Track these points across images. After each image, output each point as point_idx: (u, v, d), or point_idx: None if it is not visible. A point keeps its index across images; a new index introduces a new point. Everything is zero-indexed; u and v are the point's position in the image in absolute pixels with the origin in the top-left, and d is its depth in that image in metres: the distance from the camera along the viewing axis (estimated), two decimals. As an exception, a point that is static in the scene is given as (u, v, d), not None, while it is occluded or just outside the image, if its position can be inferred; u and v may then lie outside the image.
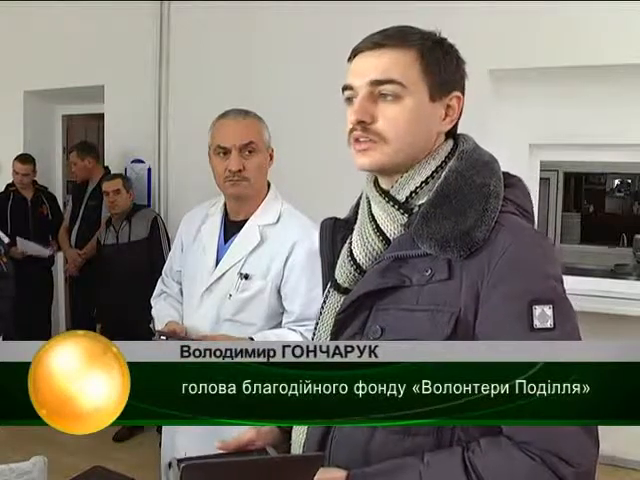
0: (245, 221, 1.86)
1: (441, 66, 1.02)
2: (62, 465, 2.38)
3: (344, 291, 1.08)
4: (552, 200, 5.69)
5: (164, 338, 1.73)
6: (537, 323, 0.90)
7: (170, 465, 0.96)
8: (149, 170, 4.47)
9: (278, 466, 0.98)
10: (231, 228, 1.89)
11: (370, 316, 1.01)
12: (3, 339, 3.42)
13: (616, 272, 4.95)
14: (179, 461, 0.95)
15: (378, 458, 0.96)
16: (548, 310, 0.91)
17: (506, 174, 1.06)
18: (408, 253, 0.99)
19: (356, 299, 1.02)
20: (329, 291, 1.13)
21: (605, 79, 3.17)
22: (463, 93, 1.06)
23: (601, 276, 4.32)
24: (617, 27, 3.06)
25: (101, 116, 4.75)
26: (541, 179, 3.67)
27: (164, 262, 3.62)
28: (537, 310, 0.91)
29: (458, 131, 1.10)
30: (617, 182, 6.02)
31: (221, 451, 1.06)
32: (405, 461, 0.94)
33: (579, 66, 3.15)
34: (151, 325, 3.22)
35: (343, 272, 1.09)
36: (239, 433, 1.12)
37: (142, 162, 4.49)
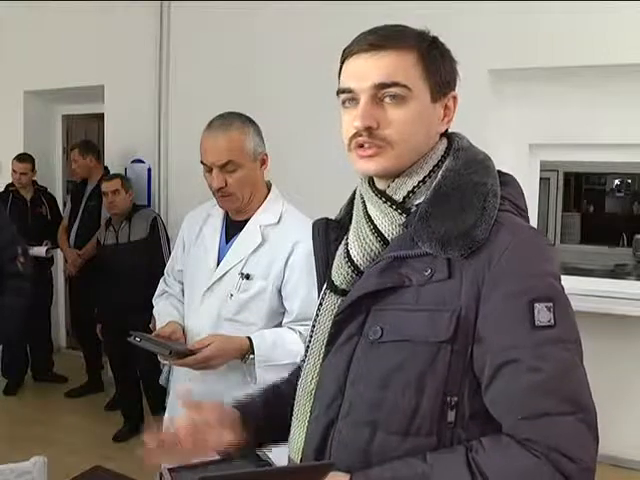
0: (246, 221, 1.86)
1: (440, 67, 1.02)
2: (62, 465, 2.37)
3: (341, 292, 1.07)
4: (552, 200, 5.69)
5: (138, 340, 1.73)
6: (538, 321, 0.90)
7: (161, 476, 0.92)
8: (149, 170, 4.47)
9: (287, 476, 0.96)
10: (232, 228, 1.89)
11: (368, 317, 1.00)
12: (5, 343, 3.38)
13: (616, 272, 4.95)
14: (170, 470, 0.93)
15: (379, 459, 0.96)
16: (548, 308, 0.91)
17: (499, 172, 1.05)
18: (408, 253, 0.98)
19: (355, 300, 1.01)
20: (325, 292, 1.11)
21: (605, 79, 3.17)
22: (456, 91, 1.06)
23: (601, 276, 4.31)
24: (617, 27, 3.06)
25: (101, 116, 4.75)
26: (541, 179, 3.67)
27: (164, 262, 3.62)
28: (538, 308, 0.90)
29: (457, 130, 1.09)
30: (617, 182, 6.03)
31: (209, 458, 1.06)
32: (407, 462, 0.93)
33: (579, 66, 3.15)
34: (150, 325, 3.24)
35: (340, 273, 1.08)
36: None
37: (142, 162, 4.49)
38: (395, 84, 0.98)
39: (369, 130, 0.98)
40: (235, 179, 1.78)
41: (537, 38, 3.21)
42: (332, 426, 1.02)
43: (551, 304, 0.91)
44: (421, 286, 0.97)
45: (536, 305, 0.90)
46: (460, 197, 0.98)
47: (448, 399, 0.93)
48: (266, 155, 1.86)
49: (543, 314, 0.90)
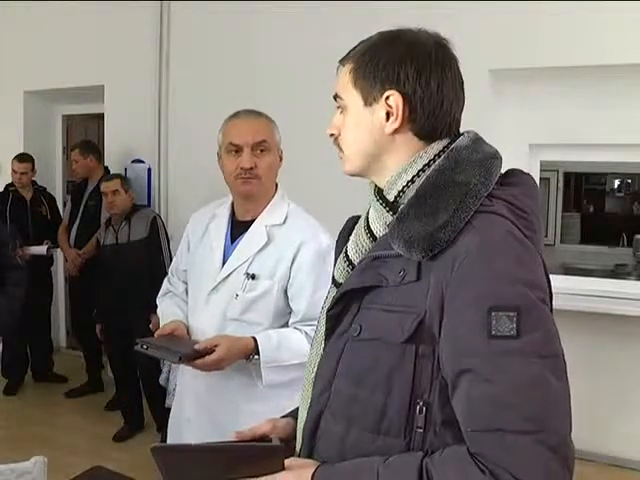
0: (252, 221, 1.86)
1: (367, 70, 1.02)
2: (62, 465, 2.37)
3: (339, 287, 1.09)
4: (552, 200, 5.69)
5: (145, 347, 1.72)
6: (496, 330, 0.86)
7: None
8: (149, 170, 4.47)
9: (242, 453, 1.01)
10: (238, 228, 1.88)
11: (358, 314, 1.03)
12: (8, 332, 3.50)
13: (616, 272, 4.95)
14: (153, 449, 1.00)
15: (352, 455, 0.97)
16: (512, 317, 0.86)
17: (513, 172, 1.04)
18: (383, 253, 1.00)
19: (341, 296, 1.04)
20: (331, 286, 1.15)
21: (605, 79, 3.17)
22: (403, 89, 1.00)
23: (601, 276, 4.32)
24: (617, 27, 3.06)
25: (101, 116, 4.76)
26: (541, 179, 3.67)
27: (163, 262, 3.64)
28: (497, 316, 0.86)
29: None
30: (617, 182, 6.03)
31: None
32: (369, 460, 0.94)
33: (579, 66, 3.15)
34: (150, 325, 3.25)
35: (338, 268, 1.12)
36: (256, 424, 1.15)
37: (142, 162, 4.49)
38: (336, 96, 1.08)
39: (332, 137, 1.10)
40: (265, 162, 1.81)
41: (537, 38, 3.22)
42: (321, 416, 1.05)
43: (515, 313, 0.86)
44: (396, 287, 0.97)
45: (495, 313, 0.86)
46: (437, 198, 0.95)
47: (417, 402, 0.93)
48: (282, 152, 1.89)
49: (502, 323, 0.86)
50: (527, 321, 0.86)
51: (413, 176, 1.01)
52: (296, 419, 1.17)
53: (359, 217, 1.18)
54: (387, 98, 1.01)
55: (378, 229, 1.05)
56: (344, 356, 1.02)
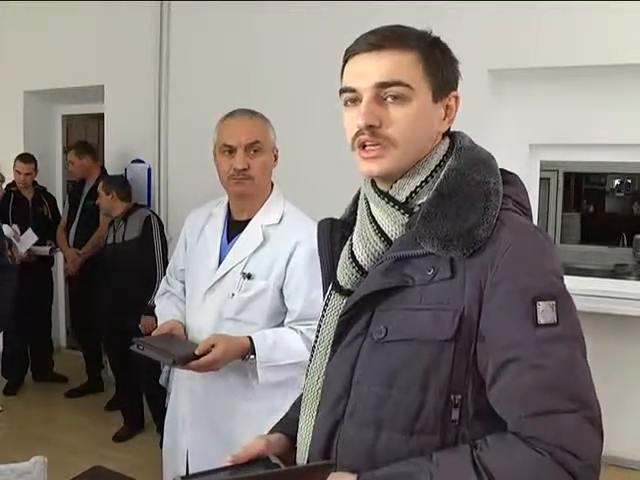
0: (248, 221, 1.87)
1: (441, 67, 1.02)
2: (62, 465, 2.37)
3: (346, 293, 1.08)
4: (552, 200, 5.68)
5: (141, 348, 1.73)
6: (541, 319, 0.90)
7: None
8: (149, 170, 4.47)
9: (288, 477, 0.97)
10: (234, 228, 1.89)
11: (373, 317, 1.01)
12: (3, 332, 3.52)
13: (616, 272, 4.95)
14: (183, 478, 0.93)
15: (384, 458, 0.97)
16: (551, 306, 0.91)
17: (503, 171, 1.06)
18: (410, 253, 0.99)
19: (359, 300, 1.02)
20: (331, 293, 1.12)
21: (605, 79, 3.17)
22: (457, 91, 1.06)
23: (601, 276, 4.31)
24: (617, 27, 3.06)
25: (101, 116, 4.76)
26: (541, 179, 3.67)
27: (155, 261, 3.64)
28: (540, 306, 0.91)
29: (457, 130, 1.10)
30: (617, 182, 6.02)
31: (227, 464, 1.05)
32: (415, 462, 0.93)
33: (579, 66, 3.15)
34: (140, 325, 3.26)
35: (345, 274, 1.08)
36: (248, 443, 1.12)
37: (142, 162, 4.49)
38: (397, 83, 0.98)
39: (371, 129, 0.99)
40: (258, 162, 1.81)
41: (537, 38, 3.21)
42: (338, 426, 1.03)
43: (554, 302, 0.91)
44: (424, 285, 0.97)
45: (539, 303, 0.91)
46: (462, 196, 0.98)
47: (452, 397, 0.94)
48: (277, 152, 1.89)
49: (546, 312, 0.91)
50: (562, 308, 0.92)
51: (427, 176, 1.02)
52: (285, 434, 1.16)
53: (333, 220, 1.17)
54: (450, 99, 1.04)
55: (392, 231, 1.04)
56: (364, 360, 1.01)
